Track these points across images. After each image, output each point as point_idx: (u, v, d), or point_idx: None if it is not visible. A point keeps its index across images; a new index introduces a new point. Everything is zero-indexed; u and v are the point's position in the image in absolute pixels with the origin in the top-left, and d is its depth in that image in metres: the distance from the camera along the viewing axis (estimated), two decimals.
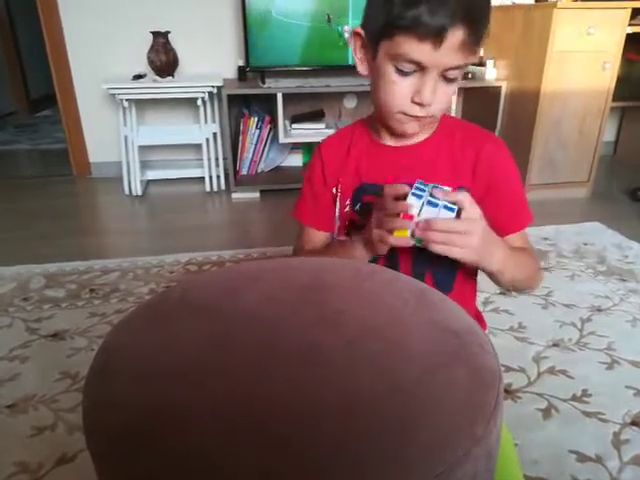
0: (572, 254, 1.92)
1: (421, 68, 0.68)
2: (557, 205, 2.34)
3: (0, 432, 1.11)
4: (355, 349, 0.54)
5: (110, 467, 0.45)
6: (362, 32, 0.73)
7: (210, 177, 2.56)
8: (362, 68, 0.77)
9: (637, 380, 1.25)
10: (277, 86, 2.37)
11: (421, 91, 0.70)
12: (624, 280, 1.73)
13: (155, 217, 2.38)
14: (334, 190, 0.85)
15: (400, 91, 0.71)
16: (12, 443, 1.08)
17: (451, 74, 0.69)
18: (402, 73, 0.70)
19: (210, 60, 2.59)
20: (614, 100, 2.37)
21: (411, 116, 0.73)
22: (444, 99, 0.72)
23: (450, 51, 0.65)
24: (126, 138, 2.45)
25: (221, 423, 0.44)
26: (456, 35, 0.64)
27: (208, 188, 2.57)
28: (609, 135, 3.09)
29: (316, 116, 2.56)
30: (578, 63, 2.24)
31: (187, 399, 0.47)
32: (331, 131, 2.51)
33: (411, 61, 0.68)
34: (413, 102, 0.71)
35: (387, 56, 0.70)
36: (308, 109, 2.60)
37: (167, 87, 2.36)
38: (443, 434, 0.44)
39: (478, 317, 0.89)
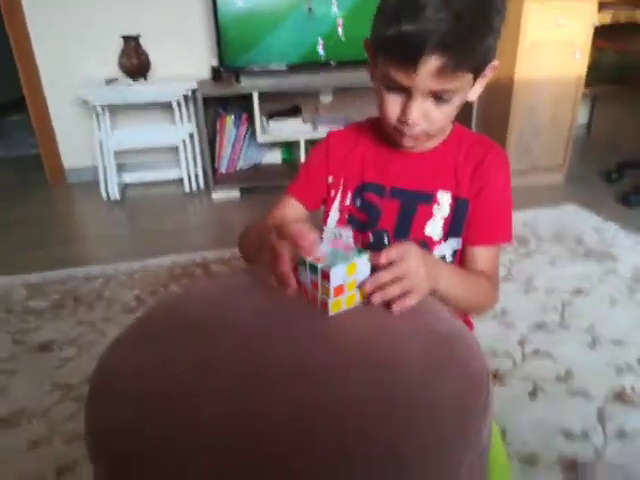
0: (551, 238, 1.97)
1: (405, 89, 0.69)
2: (534, 190, 2.39)
3: None
4: (347, 360, 0.53)
5: None
6: (369, 43, 0.74)
7: (189, 178, 2.55)
8: (371, 74, 0.76)
9: (618, 358, 1.30)
10: (252, 85, 2.35)
11: (406, 111, 0.70)
12: (602, 262, 1.78)
13: (135, 221, 2.36)
14: (330, 179, 0.86)
15: (389, 108, 0.72)
16: (11, 457, 1.08)
17: (442, 95, 0.69)
18: (390, 90, 0.71)
19: (183, 60, 2.56)
20: (586, 86, 2.43)
21: (402, 132, 0.74)
22: (435, 119, 0.72)
23: (428, 76, 0.65)
24: (101, 143, 2.41)
25: (220, 450, 0.44)
26: (431, 62, 0.64)
27: (187, 189, 2.55)
28: (582, 118, 3.16)
29: (293, 112, 2.56)
30: (550, 53, 2.28)
31: (186, 423, 0.47)
32: (308, 126, 2.51)
33: (394, 82, 0.69)
34: (400, 120, 0.72)
35: (379, 72, 0.71)
36: (283, 105, 2.59)
37: (141, 91, 2.33)
38: (437, 441, 0.45)
39: (465, 319, 0.88)
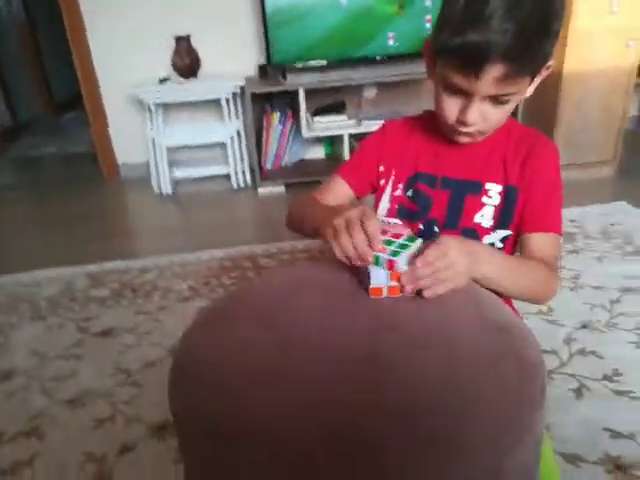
0: (599, 235, 1.93)
1: (465, 92, 0.72)
2: (583, 185, 2.34)
3: (65, 425, 1.20)
4: (412, 351, 0.56)
5: (204, 465, 0.51)
6: (429, 43, 0.77)
7: (236, 173, 2.63)
8: (429, 73, 0.80)
9: None
10: (299, 82, 2.40)
11: (465, 112, 0.73)
12: None
13: (186, 215, 2.46)
14: (381, 168, 0.89)
15: (448, 108, 0.75)
16: (78, 434, 1.17)
17: (500, 99, 0.71)
18: (449, 92, 0.74)
19: (231, 58, 2.63)
20: (638, 75, 2.35)
21: (459, 130, 0.77)
22: (493, 119, 0.75)
23: (491, 83, 0.68)
24: (153, 140, 2.52)
25: (298, 433, 0.47)
26: (495, 70, 0.66)
27: (235, 184, 2.64)
28: (632, 109, 3.04)
29: (337, 108, 2.59)
30: (601, 42, 2.22)
31: (265, 405, 0.50)
32: (352, 122, 2.54)
33: (455, 86, 0.72)
34: (458, 120, 0.75)
35: (439, 74, 0.74)
36: (328, 101, 2.63)
37: (192, 89, 2.43)
38: (496, 425, 0.49)
39: (510, 306, 0.88)
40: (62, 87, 4.67)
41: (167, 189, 2.58)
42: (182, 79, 2.45)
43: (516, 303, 0.88)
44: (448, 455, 0.46)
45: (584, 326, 1.42)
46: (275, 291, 0.71)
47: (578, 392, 1.19)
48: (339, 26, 2.42)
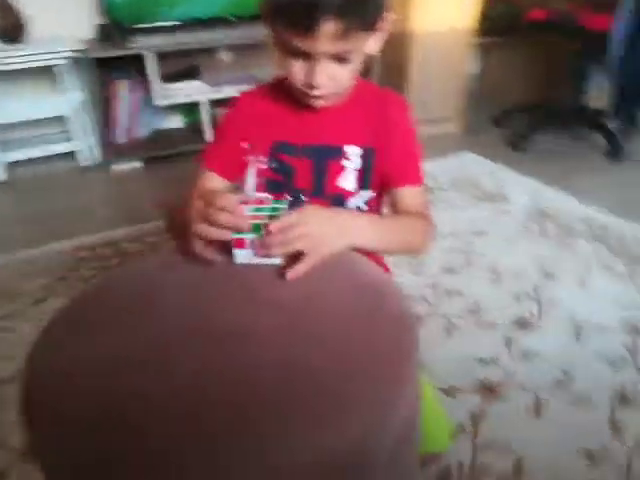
0: (451, 185, 2.11)
1: (307, 54, 0.70)
2: (432, 141, 2.49)
3: None
4: (288, 320, 0.57)
5: None
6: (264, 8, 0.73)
7: (84, 150, 2.36)
8: (270, 39, 0.76)
9: (517, 288, 1.46)
10: (145, 44, 2.19)
11: (311, 75, 0.72)
12: (497, 202, 1.94)
13: (28, 203, 2.15)
14: (245, 145, 0.86)
15: (294, 72, 0.74)
16: None
17: (342, 56, 0.71)
18: (292, 56, 0.72)
19: (63, 19, 2.29)
20: (477, 37, 2.56)
21: (310, 94, 0.76)
22: (340, 79, 0.74)
23: (327, 40, 0.67)
24: None
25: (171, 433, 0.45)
26: (328, 26, 0.65)
27: (83, 163, 2.37)
28: (474, 68, 3.32)
29: (191, 73, 2.44)
30: (442, 4, 2.36)
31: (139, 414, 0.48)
32: (210, 87, 2.41)
33: (295, 48, 0.70)
34: (306, 83, 0.74)
35: (279, 38, 0.72)
36: (180, 65, 2.46)
37: (18, 56, 2.08)
38: (379, 377, 0.51)
39: (379, 261, 0.91)
40: None
41: (1, 174, 2.23)
42: (4, 44, 2.09)
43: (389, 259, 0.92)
44: (337, 408, 0.47)
45: (447, 270, 1.55)
46: (136, 281, 0.67)
47: (448, 330, 1.30)
48: None
